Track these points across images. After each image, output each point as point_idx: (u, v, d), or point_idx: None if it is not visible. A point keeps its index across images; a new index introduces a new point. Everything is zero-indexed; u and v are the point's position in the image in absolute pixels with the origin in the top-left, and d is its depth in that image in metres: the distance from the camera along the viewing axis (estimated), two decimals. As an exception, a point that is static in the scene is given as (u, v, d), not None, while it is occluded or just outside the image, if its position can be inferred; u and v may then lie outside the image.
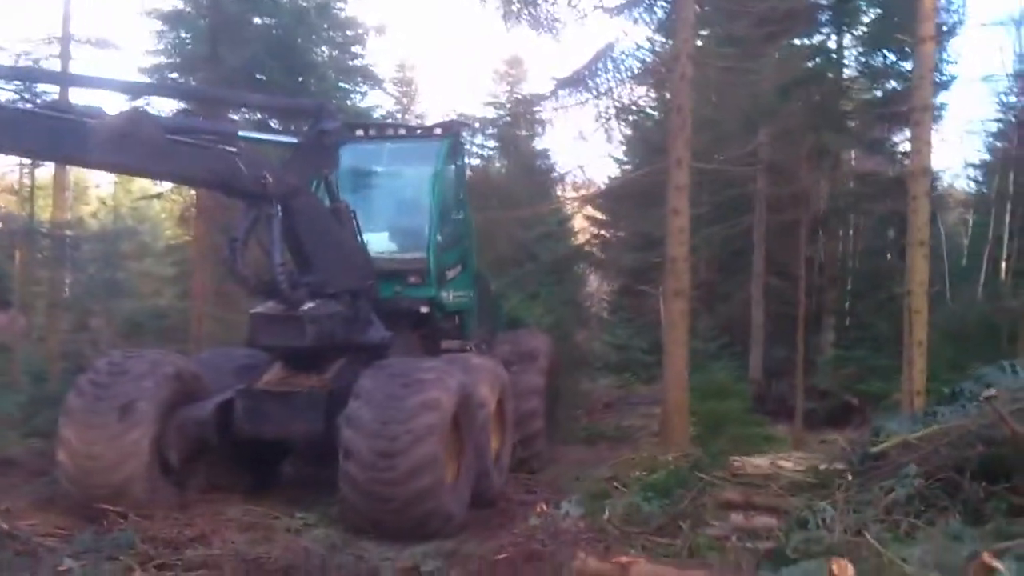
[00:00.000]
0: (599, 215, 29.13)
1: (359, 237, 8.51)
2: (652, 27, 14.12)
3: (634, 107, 14.03)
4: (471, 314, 10.38)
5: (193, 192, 16.68)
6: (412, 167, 9.80)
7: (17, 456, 9.48)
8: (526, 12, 12.81)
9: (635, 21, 13.75)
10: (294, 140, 8.24)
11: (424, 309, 9.27)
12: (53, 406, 11.04)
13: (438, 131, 9.98)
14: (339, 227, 8.23)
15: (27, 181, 14.41)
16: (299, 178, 7.76)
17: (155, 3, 15.94)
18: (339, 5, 20.38)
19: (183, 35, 15.78)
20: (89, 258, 16.27)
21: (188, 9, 15.81)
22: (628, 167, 28.78)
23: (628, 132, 29.14)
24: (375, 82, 22.11)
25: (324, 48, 19.16)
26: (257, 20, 16.78)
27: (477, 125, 13.47)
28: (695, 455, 9.90)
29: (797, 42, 16.15)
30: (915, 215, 10.77)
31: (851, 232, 20.26)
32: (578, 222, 28.50)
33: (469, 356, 8.91)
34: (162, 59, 16.21)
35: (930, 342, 11.09)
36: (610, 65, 13.40)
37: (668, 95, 12.90)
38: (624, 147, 28.83)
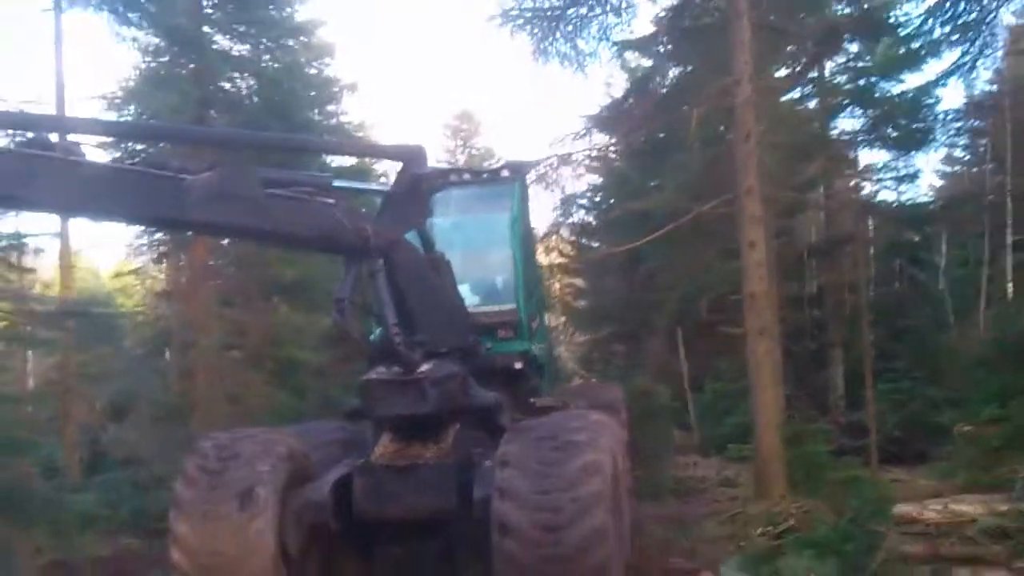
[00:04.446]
0: (569, 264, 28.74)
1: (457, 290, 7.78)
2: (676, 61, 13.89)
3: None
4: (548, 367, 9.67)
5: (182, 262, 15.73)
6: (488, 213, 9.13)
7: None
8: (557, 49, 12.42)
9: (664, 54, 13.52)
10: (385, 189, 7.48)
11: (518, 364, 8.51)
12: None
13: (505, 173, 9.33)
14: (439, 280, 7.49)
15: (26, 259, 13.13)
16: (396, 229, 7.00)
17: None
18: (325, 60, 20.07)
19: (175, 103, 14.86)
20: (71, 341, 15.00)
21: (179, 70, 14.96)
22: (595, 210, 28.64)
23: (597, 179, 29.14)
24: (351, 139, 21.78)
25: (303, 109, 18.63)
26: (243, 84, 16.19)
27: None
28: (808, 504, 9.33)
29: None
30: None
31: (856, 262, 20.17)
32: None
33: (583, 413, 8.12)
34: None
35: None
36: (643, 99, 13.07)
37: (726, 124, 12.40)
38: (592, 192, 28.74)
